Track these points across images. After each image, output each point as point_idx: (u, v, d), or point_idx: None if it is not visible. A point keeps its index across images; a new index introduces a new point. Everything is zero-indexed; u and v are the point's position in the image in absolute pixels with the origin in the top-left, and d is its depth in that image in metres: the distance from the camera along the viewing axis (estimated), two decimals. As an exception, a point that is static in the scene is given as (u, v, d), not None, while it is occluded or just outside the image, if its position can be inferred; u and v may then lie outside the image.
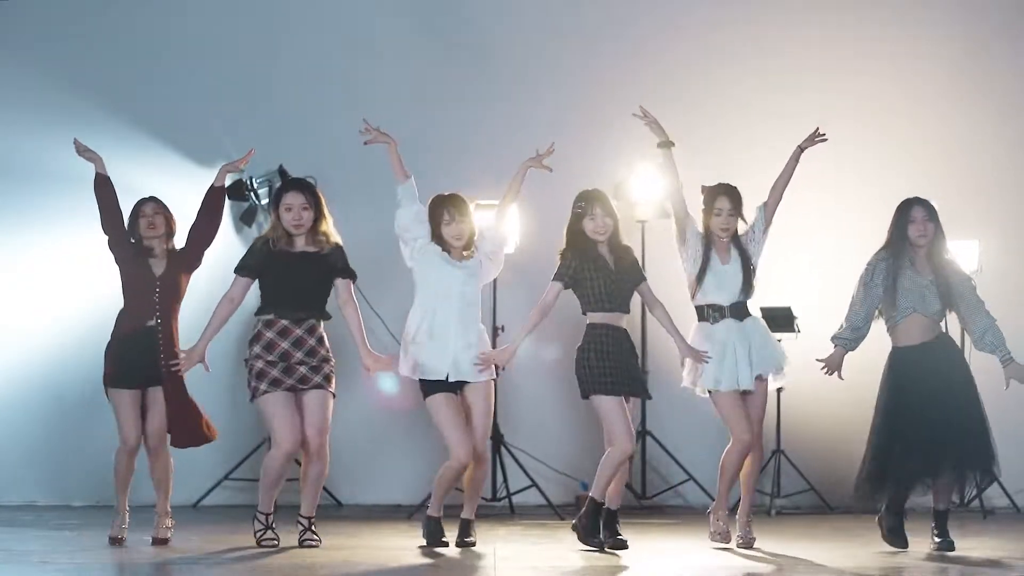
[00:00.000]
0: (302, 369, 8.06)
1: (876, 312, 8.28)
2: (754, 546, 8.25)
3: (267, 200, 10.40)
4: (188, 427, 8.28)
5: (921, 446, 8.03)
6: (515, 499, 10.52)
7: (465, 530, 8.32)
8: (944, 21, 11.31)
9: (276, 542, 8.17)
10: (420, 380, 8.18)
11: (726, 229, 8.32)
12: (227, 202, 10.67)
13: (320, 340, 8.16)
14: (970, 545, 8.31)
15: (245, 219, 10.92)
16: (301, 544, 8.13)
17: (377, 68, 11.15)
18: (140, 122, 10.86)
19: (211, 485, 10.65)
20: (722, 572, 7.38)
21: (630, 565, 7.59)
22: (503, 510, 10.46)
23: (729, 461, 8.29)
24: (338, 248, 8.24)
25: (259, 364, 8.05)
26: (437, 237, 8.21)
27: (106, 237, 8.38)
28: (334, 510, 10.64)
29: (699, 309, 8.37)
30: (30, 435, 10.78)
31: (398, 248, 8.32)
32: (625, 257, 8.21)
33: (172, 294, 8.30)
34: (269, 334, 8.07)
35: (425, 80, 11.11)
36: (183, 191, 10.59)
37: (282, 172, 10.54)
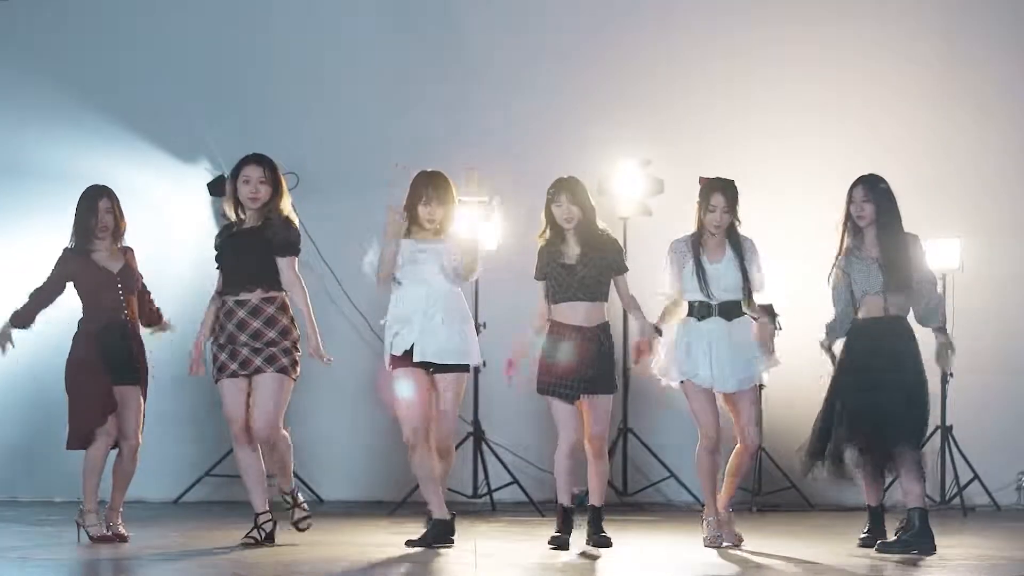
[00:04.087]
0: (244, 352, 7.90)
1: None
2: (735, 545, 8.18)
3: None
4: None
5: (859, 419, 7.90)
6: (496, 496, 10.52)
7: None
8: (930, 23, 11.33)
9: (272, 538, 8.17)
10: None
11: (719, 226, 8.19)
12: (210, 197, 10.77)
13: (268, 321, 7.90)
14: (950, 543, 8.32)
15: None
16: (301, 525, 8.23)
17: (362, 66, 11.14)
18: (125, 120, 10.84)
19: (191, 481, 10.64)
20: (702, 569, 7.38)
21: (610, 562, 7.59)
22: (484, 507, 10.46)
23: (701, 460, 8.14)
24: (282, 221, 7.95)
25: (213, 348, 8.01)
26: (411, 213, 7.98)
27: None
28: (315, 506, 10.63)
29: (689, 305, 8.21)
30: (11, 431, 10.77)
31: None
32: (596, 247, 8.03)
33: None
34: (221, 315, 7.99)
35: (409, 79, 11.10)
36: (167, 189, 10.62)
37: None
